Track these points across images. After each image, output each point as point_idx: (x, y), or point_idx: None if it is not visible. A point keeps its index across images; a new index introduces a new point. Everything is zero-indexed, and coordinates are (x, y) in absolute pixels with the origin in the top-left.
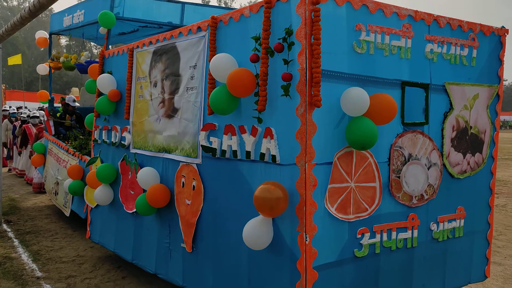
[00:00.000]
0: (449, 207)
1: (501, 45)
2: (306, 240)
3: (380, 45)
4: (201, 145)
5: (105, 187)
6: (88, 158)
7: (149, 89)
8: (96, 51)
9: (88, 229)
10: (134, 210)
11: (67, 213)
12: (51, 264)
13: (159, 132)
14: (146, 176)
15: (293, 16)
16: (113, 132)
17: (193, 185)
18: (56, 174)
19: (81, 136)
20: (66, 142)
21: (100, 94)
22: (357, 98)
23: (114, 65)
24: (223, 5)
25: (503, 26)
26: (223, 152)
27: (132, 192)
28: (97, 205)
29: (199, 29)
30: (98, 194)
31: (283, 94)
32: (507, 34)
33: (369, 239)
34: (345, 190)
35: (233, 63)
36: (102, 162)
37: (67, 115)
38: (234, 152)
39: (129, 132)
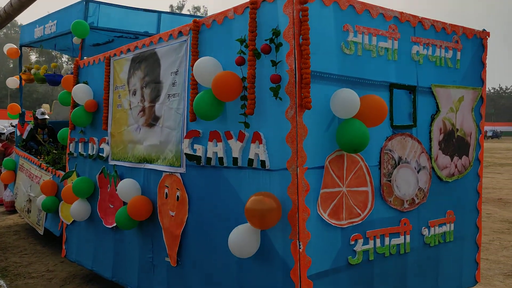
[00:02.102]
0: (439, 211)
1: (483, 47)
2: (300, 248)
3: (368, 46)
4: (185, 153)
5: (82, 201)
6: (62, 173)
7: (128, 98)
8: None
9: (64, 247)
10: (114, 224)
11: (41, 231)
12: (20, 280)
13: (140, 142)
14: (127, 188)
15: (280, 16)
16: (90, 144)
17: (177, 196)
18: (28, 191)
19: (54, 151)
20: (38, 157)
21: (75, 105)
22: (347, 100)
23: (90, 74)
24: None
25: (484, 29)
26: (208, 159)
27: (112, 206)
28: (73, 221)
29: (180, 33)
30: (74, 210)
31: (272, 96)
32: (488, 37)
33: (362, 245)
34: (337, 194)
35: (217, 66)
36: (78, 175)
37: (39, 129)
38: (220, 159)
39: (107, 143)
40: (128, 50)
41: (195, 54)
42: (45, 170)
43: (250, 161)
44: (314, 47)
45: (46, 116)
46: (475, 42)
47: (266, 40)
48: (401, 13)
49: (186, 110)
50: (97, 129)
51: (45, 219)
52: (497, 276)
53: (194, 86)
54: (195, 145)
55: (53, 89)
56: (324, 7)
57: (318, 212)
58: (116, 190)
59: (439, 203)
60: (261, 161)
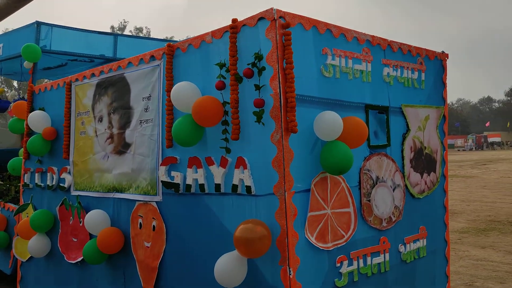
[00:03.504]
0: (413, 228)
1: (443, 68)
2: (290, 274)
3: (345, 69)
4: (162, 181)
5: (41, 236)
6: (12, 205)
7: (93, 124)
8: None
9: (19, 287)
10: (78, 259)
11: None
12: None
13: (108, 170)
14: (95, 219)
15: (262, 41)
16: (48, 174)
17: (153, 225)
18: None
19: (0, 182)
20: None
21: (29, 133)
22: (331, 122)
23: (47, 101)
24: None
25: (443, 51)
26: (188, 186)
27: (75, 240)
28: (30, 258)
29: (152, 58)
30: (33, 245)
31: (256, 121)
32: (447, 58)
33: (347, 267)
34: (323, 217)
35: (196, 91)
36: (35, 208)
37: None
38: (201, 185)
39: (69, 173)
40: (93, 75)
41: (170, 78)
42: None
43: (234, 187)
44: (296, 71)
45: None
46: (436, 64)
47: (248, 64)
48: (373, 36)
49: (162, 136)
50: (57, 158)
51: None
52: (460, 287)
53: (170, 112)
54: (172, 172)
55: None
56: (304, 31)
57: (306, 236)
58: (80, 223)
59: (413, 219)
60: (246, 186)
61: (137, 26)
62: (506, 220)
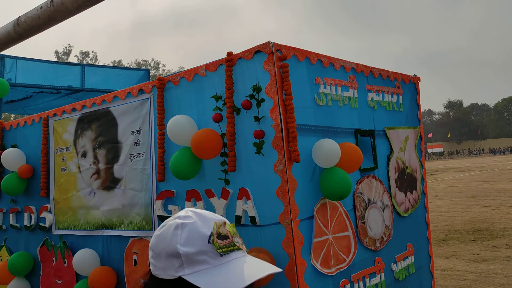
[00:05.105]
0: (402, 246)
1: (416, 91)
2: None
3: (335, 97)
4: (158, 216)
5: (20, 280)
6: None
7: (76, 160)
8: None
9: None
10: None
11: None
12: None
13: (95, 207)
14: (85, 259)
15: (259, 73)
16: (25, 214)
17: None
18: None
19: None
20: None
21: (0, 172)
22: (330, 150)
23: (19, 137)
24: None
25: (415, 75)
26: None
27: (59, 281)
28: None
29: (141, 91)
30: None
31: (256, 152)
32: (419, 81)
33: None
34: (325, 243)
35: (193, 124)
36: (10, 251)
37: None
38: None
39: (49, 211)
40: (73, 109)
41: (162, 112)
42: None
43: (238, 218)
44: (294, 101)
45: None
46: (411, 87)
47: (247, 96)
48: (357, 64)
49: (155, 170)
50: (34, 197)
51: None
52: None
53: (161, 145)
54: (169, 206)
55: None
56: (298, 62)
57: (312, 263)
58: (64, 263)
59: (401, 237)
60: (251, 217)
61: (83, 51)
62: (463, 229)
